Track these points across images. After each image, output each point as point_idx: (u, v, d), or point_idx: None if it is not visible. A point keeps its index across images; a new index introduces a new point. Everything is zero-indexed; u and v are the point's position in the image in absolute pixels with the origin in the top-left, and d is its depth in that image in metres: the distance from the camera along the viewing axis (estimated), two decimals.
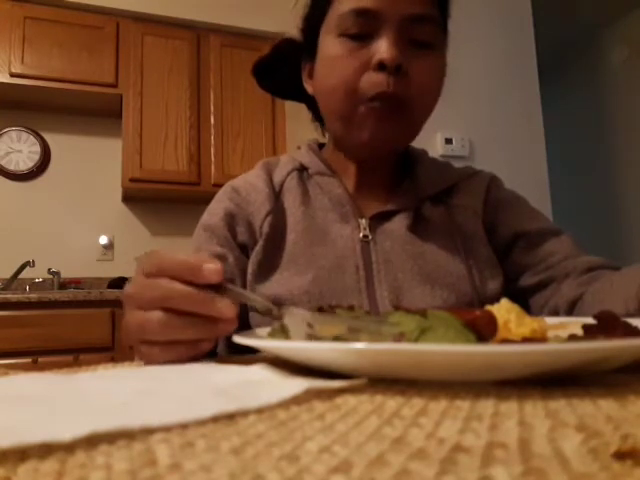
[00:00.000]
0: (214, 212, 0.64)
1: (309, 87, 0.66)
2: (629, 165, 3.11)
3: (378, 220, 0.62)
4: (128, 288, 0.38)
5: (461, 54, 2.11)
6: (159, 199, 2.51)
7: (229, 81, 2.43)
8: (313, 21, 0.62)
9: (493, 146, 2.14)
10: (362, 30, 0.56)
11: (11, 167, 2.39)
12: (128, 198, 2.50)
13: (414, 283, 0.58)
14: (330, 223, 0.62)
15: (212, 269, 0.36)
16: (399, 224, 0.62)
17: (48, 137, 2.47)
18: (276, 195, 0.65)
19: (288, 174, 0.67)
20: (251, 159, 2.38)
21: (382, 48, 0.54)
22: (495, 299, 0.58)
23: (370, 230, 0.61)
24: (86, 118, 2.51)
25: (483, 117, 2.15)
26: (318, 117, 0.73)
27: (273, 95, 0.75)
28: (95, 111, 2.46)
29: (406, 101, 0.56)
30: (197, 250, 0.61)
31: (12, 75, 2.15)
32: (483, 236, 0.64)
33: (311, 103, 0.71)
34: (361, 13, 0.55)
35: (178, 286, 0.35)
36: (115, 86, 2.28)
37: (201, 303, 0.35)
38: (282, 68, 0.70)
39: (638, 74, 3.04)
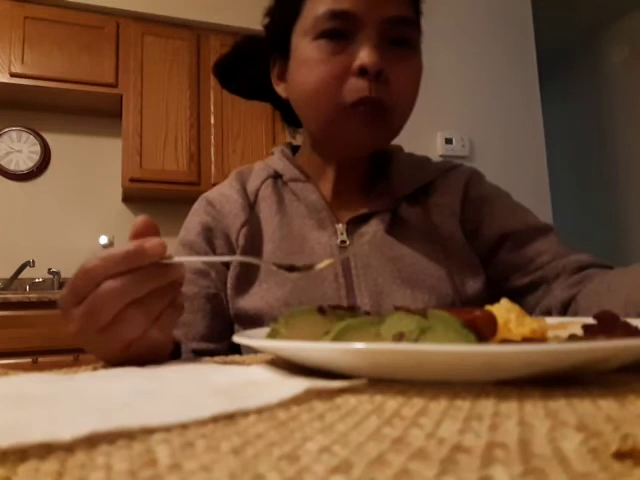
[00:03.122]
0: (191, 227, 0.64)
1: (281, 90, 0.64)
2: (629, 165, 3.11)
3: (355, 224, 0.61)
4: (60, 297, 0.36)
5: (462, 54, 2.11)
6: (159, 199, 2.51)
7: None
8: (284, 21, 0.60)
9: (493, 146, 2.14)
10: (340, 33, 0.54)
11: (11, 167, 2.39)
12: (128, 198, 2.50)
13: (394, 287, 0.57)
14: (307, 230, 0.61)
15: (155, 243, 0.34)
16: (376, 227, 0.61)
17: (48, 137, 2.47)
18: (251, 205, 0.64)
19: (262, 182, 0.65)
20: (251, 159, 2.38)
21: (363, 53, 0.53)
22: (476, 299, 0.58)
23: (347, 235, 0.60)
24: (86, 118, 2.51)
25: (483, 117, 2.15)
26: (287, 118, 0.71)
27: (237, 96, 0.72)
28: (95, 111, 2.46)
29: (387, 105, 0.55)
30: None
31: (12, 75, 2.15)
32: (461, 236, 0.63)
33: (279, 103, 0.68)
34: (339, 15, 0.54)
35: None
36: (115, 86, 2.28)
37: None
38: (245, 67, 0.68)
39: (638, 74, 3.04)
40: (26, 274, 2.27)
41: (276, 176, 0.66)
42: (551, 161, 2.28)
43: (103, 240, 2.47)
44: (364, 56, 0.53)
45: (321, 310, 0.35)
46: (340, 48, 0.54)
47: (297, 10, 0.58)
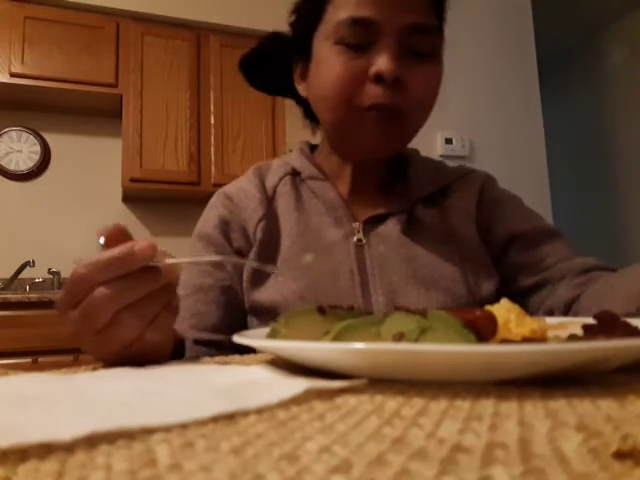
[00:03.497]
0: (208, 220, 0.64)
1: (302, 89, 0.65)
2: (629, 165, 3.11)
3: (372, 224, 0.62)
4: (57, 299, 0.37)
5: (461, 54, 2.11)
6: (159, 199, 2.51)
7: (229, 81, 2.43)
8: (306, 23, 0.61)
9: (493, 146, 2.14)
10: (360, 39, 0.55)
11: (11, 167, 2.39)
12: (128, 198, 2.50)
13: (409, 287, 0.58)
14: (324, 227, 0.62)
15: (144, 245, 0.34)
16: (392, 227, 0.61)
17: (48, 137, 2.47)
18: (269, 200, 0.65)
19: (280, 179, 0.66)
20: (251, 159, 2.38)
21: (381, 60, 0.53)
22: (490, 300, 0.58)
23: (364, 234, 0.61)
24: (86, 118, 2.50)
25: (483, 117, 2.15)
26: (309, 115, 0.72)
27: (261, 91, 0.73)
28: (95, 111, 2.46)
29: (403, 112, 0.56)
30: None
31: (12, 75, 2.15)
32: (476, 238, 0.64)
33: (301, 100, 0.69)
34: (359, 22, 0.54)
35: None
36: (115, 86, 2.28)
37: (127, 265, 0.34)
38: (270, 63, 0.68)
39: (638, 74, 3.04)
40: (26, 274, 2.27)
41: (294, 173, 0.67)
42: (551, 161, 2.28)
43: (103, 240, 2.47)
44: (381, 63, 0.53)
45: (321, 310, 0.35)
46: (360, 53, 0.55)
47: (319, 15, 0.59)
